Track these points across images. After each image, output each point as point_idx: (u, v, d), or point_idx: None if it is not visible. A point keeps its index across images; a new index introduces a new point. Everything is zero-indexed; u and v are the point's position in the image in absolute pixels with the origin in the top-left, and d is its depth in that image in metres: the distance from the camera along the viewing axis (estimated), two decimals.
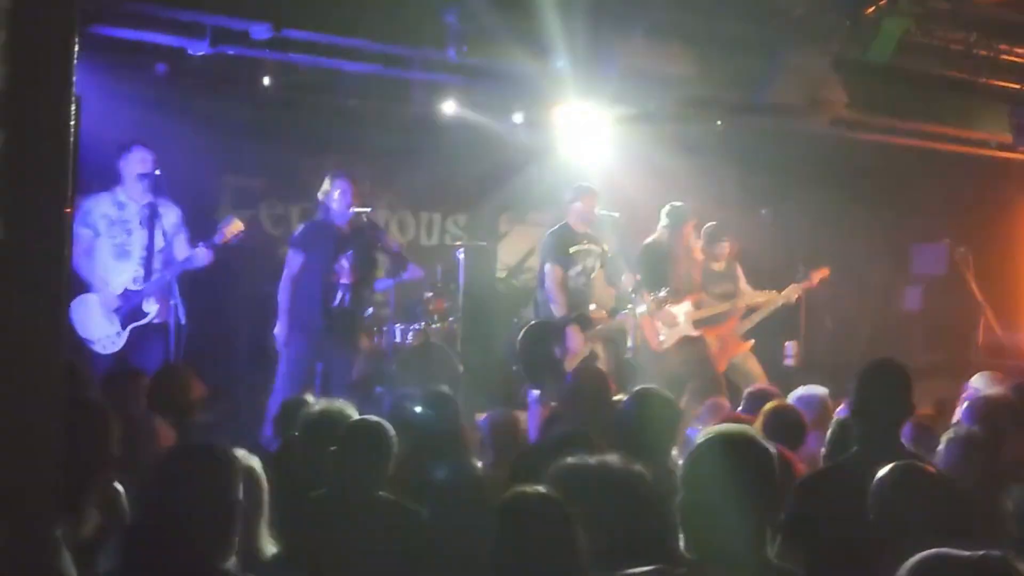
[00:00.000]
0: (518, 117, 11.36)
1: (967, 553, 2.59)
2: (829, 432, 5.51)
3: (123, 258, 8.30)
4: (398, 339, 10.66)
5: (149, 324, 8.24)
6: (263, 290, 9.60)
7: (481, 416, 7.09)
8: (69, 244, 2.91)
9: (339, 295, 8.96)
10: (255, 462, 4.22)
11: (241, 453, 3.88)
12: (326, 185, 9.12)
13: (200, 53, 8.84)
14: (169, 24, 8.57)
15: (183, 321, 8.03)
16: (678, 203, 9.98)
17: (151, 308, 8.24)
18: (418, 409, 5.66)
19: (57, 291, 2.07)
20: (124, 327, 8.21)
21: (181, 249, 8.43)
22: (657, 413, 5.20)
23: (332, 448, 4.58)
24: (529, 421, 8.01)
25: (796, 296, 10.32)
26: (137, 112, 9.34)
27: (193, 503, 3.23)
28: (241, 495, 3.37)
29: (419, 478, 4.99)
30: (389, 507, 4.48)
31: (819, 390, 6.97)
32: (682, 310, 9.66)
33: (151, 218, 8.25)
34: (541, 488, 3.42)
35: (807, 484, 4.74)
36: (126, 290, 8.23)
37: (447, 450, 5.47)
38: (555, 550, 3.23)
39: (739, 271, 10.37)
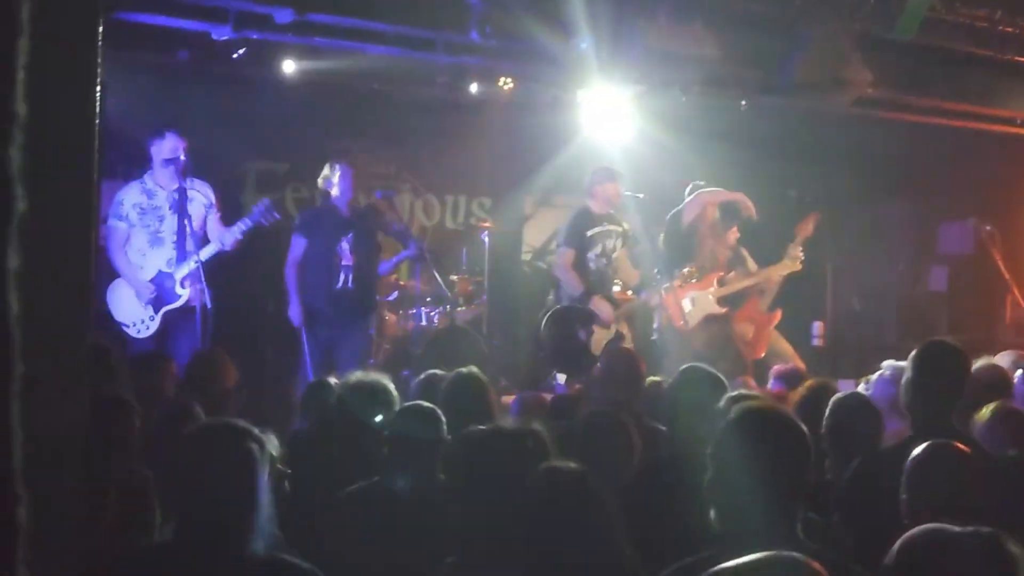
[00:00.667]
0: (542, 99, 11.34)
1: (958, 529, 2.58)
2: (828, 412, 5.28)
3: (157, 245, 8.34)
4: (424, 322, 10.66)
5: (180, 308, 8.28)
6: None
7: (510, 398, 7.08)
8: (96, 218, 2.90)
9: (342, 277, 9.04)
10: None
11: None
12: (326, 170, 9.18)
13: (224, 38, 8.86)
14: (192, 9, 8.60)
15: (210, 305, 8.07)
16: (701, 182, 9.96)
17: (183, 291, 8.28)
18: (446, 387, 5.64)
19: (84, 266, 2.04)
20: (157, 311, 8.26)
21: (214, 230, 8.46)
22: (706, 392, 5.11)
23: (385, 432, 4.58)
24: None
25: (799, 252, 9.94)
26: (161, 98, 9.39)
27: (216, 481, 3.23)
28: (265, 474, 3.36)
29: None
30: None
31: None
32: (706, 288, 9.61)
33: (181, 202, 8.28)
34: (575, 465, 3.40)
35: (864, 464, 4.73)
36: (159, 272, 8.27)
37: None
38: (588, 527, 3.19)
39: (744, 253, 10.27)
